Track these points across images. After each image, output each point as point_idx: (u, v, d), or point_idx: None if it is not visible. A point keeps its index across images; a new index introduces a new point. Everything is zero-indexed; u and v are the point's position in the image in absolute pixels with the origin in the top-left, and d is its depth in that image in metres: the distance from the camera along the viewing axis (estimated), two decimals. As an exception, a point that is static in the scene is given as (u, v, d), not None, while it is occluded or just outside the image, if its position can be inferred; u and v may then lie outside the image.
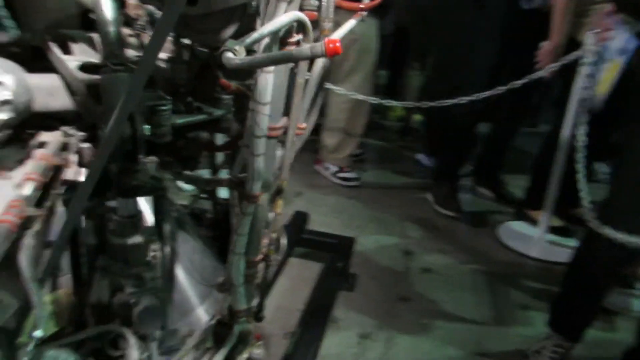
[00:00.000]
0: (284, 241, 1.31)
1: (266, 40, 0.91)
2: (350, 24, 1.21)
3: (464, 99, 2.49)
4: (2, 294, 0.90)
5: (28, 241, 0.95)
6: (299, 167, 3.24)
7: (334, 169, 3.28)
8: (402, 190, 3.29)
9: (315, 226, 2.36)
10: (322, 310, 1.80)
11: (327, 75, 1.19)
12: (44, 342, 0.97)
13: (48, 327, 1.07)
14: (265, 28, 0.83)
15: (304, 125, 1.12)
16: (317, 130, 3.58)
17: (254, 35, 0.83)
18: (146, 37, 1.27)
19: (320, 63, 1.08)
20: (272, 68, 0.95)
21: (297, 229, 2.18)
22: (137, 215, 1.07)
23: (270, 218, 1.21)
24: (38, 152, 1.13)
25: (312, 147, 3.36)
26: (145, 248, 1.08)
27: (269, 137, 1.04)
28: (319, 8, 1.11)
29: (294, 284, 2.10)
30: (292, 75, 1.08)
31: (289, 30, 0.95)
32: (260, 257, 1.20)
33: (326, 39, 0.67)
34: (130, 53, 1.16)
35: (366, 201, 3.05)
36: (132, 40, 1.26)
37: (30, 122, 1.10)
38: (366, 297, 2.16)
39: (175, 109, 1.08)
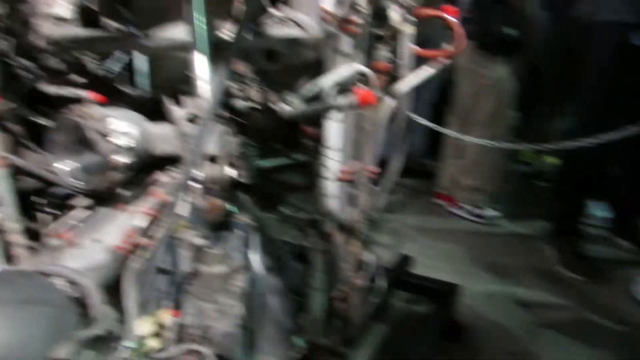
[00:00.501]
0: (381, 283, 1.35)
1: (332, 90, 1.00)
2: (427, 72, 1.25)
3: (601, 138, 2.33)
4: (107, 307, 1.07)
5: (135, 265, 1.12)
6: (412, 208, 3.25)
7: (469, 207, 3.33)
8: (524, 238, 3.10)
9: (422, 270, 2.33)
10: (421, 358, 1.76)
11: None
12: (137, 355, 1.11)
13: (148, 344, 1.22)
14: (322, 81, 0.92)
15: (375, 169, 1.18)
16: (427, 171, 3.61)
17: (309, 87, 0.92)
18: (252, 91, 1.43)
19: (385, 111, 1.14)
20: (340, 116, 1.03)
21: (398, 271, 2.18)
22: (224, 247, 1.20)
23: (360, 257, 1.26)
24: (152, 190, 1.33)
25: (425, 188, 3.35)
26: (229, 278, 1.20)
27: (340, 180, 1.11)
28: (393, 58, 1.18)
29: (393, 329, 2.09)
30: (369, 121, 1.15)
31: (355, 80, 1.02)
32: (342, 294, 1.25)
33: (359, 90, 0.73)
34: (240, 104, 1.32)
35: (481, 247, 2.93)
36: (238, 92, 1.42)
37: (147, 164, 1.31)
38: (471, 349, 2.07)
39: (262, 153, 1.21)
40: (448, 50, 1.31)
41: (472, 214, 3.34)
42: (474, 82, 3.20)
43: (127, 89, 1.80)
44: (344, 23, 0.91)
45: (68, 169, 1.26)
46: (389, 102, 1.11)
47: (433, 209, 3.47)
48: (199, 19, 1.08)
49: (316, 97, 0.94)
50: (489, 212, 3.33)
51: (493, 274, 2.66)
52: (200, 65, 1.10)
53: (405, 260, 2.26)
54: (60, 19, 1.62)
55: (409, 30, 1.25)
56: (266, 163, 1.21)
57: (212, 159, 1.07)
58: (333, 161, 1.06)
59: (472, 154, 3.28)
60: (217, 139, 1.06)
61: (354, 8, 0.89)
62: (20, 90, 1.69)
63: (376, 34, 1.14)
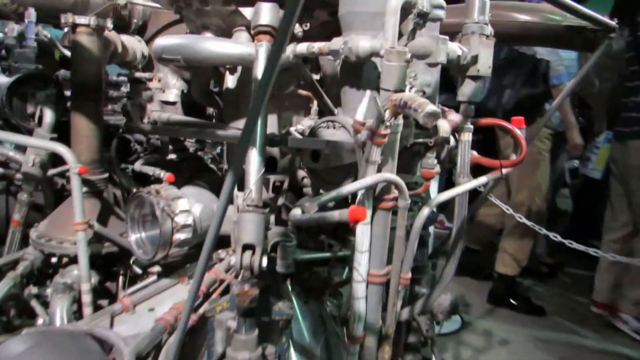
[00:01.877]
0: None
1: (360, 196, 1.01)
2: (484, 181, 1.21)
3: None
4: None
5: (171, 339, 1.19)
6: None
7: (635, 323, 3.04)
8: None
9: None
10: None
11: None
12: None
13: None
14: (345, 189, 0.94)
15: (408, 275, 1.14)
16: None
17: (331, 194, 0.94)
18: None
19: (422, 217, 1.11)
20: (368, 220, 1.03)
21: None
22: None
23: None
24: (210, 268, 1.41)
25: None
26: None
27: (371, 283, 1.10)
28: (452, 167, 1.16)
29: None
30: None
31: (387, 188, 1.03)
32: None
33: (351, 207, 0.74)
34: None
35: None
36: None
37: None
38: None
39: (303, 245, 1.24)
40: (512, 161, 1.26)
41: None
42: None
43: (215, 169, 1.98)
44: (372, 134, 0.94)
45: (134, 238, 1.41)
46: (426, 212, 1.09)
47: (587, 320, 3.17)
48: (255, 115, 1.18)
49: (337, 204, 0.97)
50: None
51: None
52: (252, 159, 1.18)
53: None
54: (168, 104, 1.87)
55: (466, 138, 1.24)
56: (308, 254, 1.23)
57: (250, 247, 1.12)
58: (361, 263, 1.05)
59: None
60: (256, 227, 1.11)
61: (380, 120, 0.92)
62: (125, 162, 1.94)
63: (423, 142, 1.14)
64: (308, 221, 0.95)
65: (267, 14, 1.31)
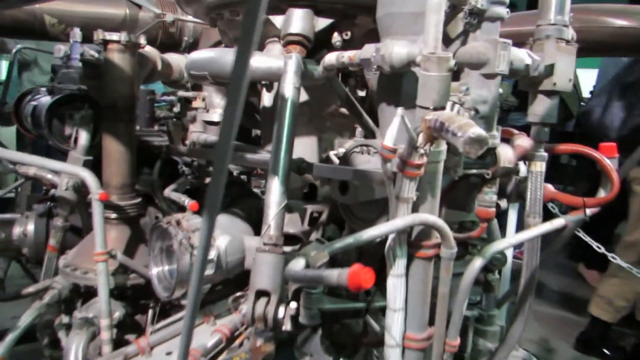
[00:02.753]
0: None
1: (391, 241, 0.80)
2: (560, 224, 0.96)
3: None
4: None
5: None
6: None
7: None
8: None
9: None
10: None
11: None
12: None
13: None
14: (366, 233, 0.74)
15: (456, 341, 0.89)
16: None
17: (346, 240, 0.74)
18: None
19: (473, 270, 0.86)
20: (402, 271, 0.83)
21: None
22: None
23: None
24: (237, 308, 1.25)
25: None
26: None
27: (408, 349, 0.88)
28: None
29: None
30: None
31: (426, 232, 0.82)
32: None
33: (353, 268, 0.54)
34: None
35: None
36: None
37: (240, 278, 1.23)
38: None
39: (333, 291, 1.04)
40: (600, 199, 0.99)
41: None
42: None
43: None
44: (402, 164, 0.73)
45: (156, 272, 1.28)
46: (477, 264, 0.85)
47: None
48: (279, 144, 1.01)
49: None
50: None
51: None
52: (273, 188, 1.01)
53: None
54: (212, 124, 1.75)
55: (538, 168, 0.99)
56: (337, 304, 1.03)
57: (264, 294, 0.94)
58: (396, 323, 0.83)
59: None
60: (273, 271, 0.93)
61: (413, 146, 0.71)
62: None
63: (480, 174, 0.91)
64: (302, 279, 0.75)
65: (298, 22, 1.15)
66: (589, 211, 0.99)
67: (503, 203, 1.11)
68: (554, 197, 1.02)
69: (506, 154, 0.89)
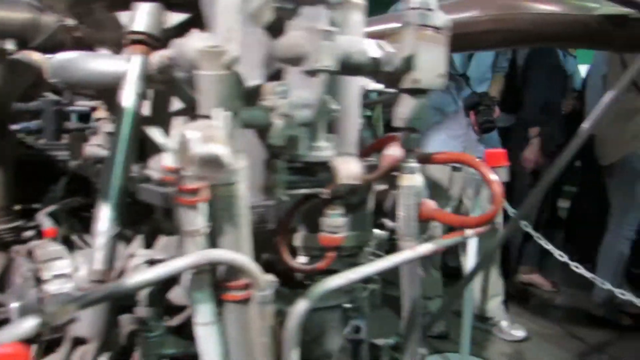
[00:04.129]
0: None
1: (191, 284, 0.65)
2: (430, 249, 0.79)
3: None
4: None
5: None
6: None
7: None
8: None
9: None
10: None
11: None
12: None
13: None
14: (142, 276, 0.58)
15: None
16: None
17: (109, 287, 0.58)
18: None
19: (296, 316, 0.69)
20: (209, 318, 0.67)
21: None
22: None
23: None
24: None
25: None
26: None
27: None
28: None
29: None
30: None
31: (230, 270, 0.66)
32: None
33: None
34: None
35: None
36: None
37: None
38: None
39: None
40: (480, 218, 0.83)
41: None
42: None
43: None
44: (178, 191, 0.56)
45: (13, 308, 1.12)
46: (303, 306, 0.67)
47: None
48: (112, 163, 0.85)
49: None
50: None
51: None
52: (102, 215, 0.85)
53: None
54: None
55: (406, 182, 0.82)
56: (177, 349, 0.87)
57: (81, 342, 0.79)
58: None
59: None
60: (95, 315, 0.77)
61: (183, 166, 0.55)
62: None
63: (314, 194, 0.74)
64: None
65: (142, 18, 0.99)
66: (470, 231, 0.82)
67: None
68: (433, 215, 0.85)
69: (347, 169, 0.73)
